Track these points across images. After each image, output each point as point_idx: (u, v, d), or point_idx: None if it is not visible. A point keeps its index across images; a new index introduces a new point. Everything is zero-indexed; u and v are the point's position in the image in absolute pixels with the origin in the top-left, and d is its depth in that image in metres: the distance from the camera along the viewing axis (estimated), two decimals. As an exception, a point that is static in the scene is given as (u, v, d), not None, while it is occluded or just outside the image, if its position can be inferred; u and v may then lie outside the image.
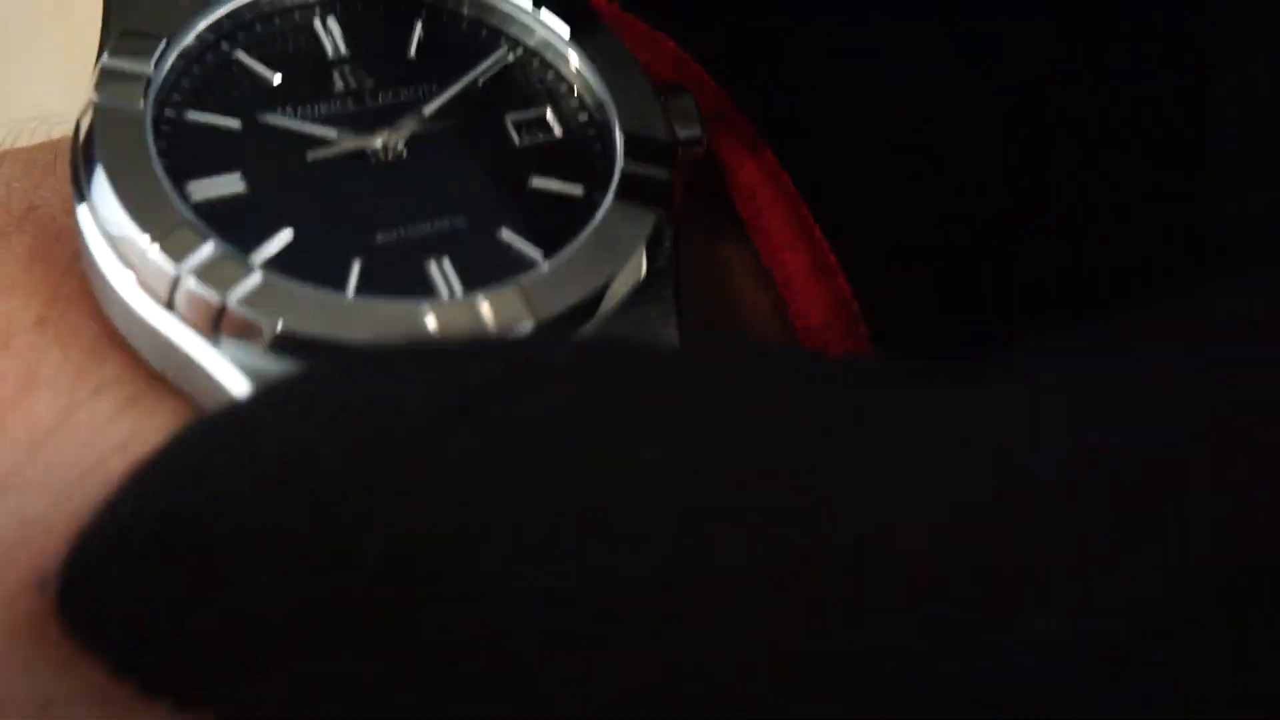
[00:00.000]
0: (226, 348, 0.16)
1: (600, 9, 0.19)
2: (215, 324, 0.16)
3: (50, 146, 0.20)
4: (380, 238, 0.18)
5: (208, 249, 0.16)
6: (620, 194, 0.18)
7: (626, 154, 0.18)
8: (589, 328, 0.17)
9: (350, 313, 0.16)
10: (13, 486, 0.17)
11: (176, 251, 0.16)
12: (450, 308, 0.17)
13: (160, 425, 0.17)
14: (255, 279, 0.16)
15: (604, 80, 0.19)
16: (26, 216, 0.18)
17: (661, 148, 0.18)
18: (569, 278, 0.17)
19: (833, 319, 0.19)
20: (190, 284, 0.16)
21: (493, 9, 0.19)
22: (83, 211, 0.17)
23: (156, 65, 0.18)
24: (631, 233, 0.18)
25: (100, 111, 0.17)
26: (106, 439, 0.17)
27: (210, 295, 0.16)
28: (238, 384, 0.16)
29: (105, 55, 0.18)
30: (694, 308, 0.18)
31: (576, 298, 0.17)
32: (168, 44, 0.18)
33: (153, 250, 0.16)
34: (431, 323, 0.16)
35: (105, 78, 0.17)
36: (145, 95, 0.17)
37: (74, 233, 0.17)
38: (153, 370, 0.17)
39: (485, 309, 0.17)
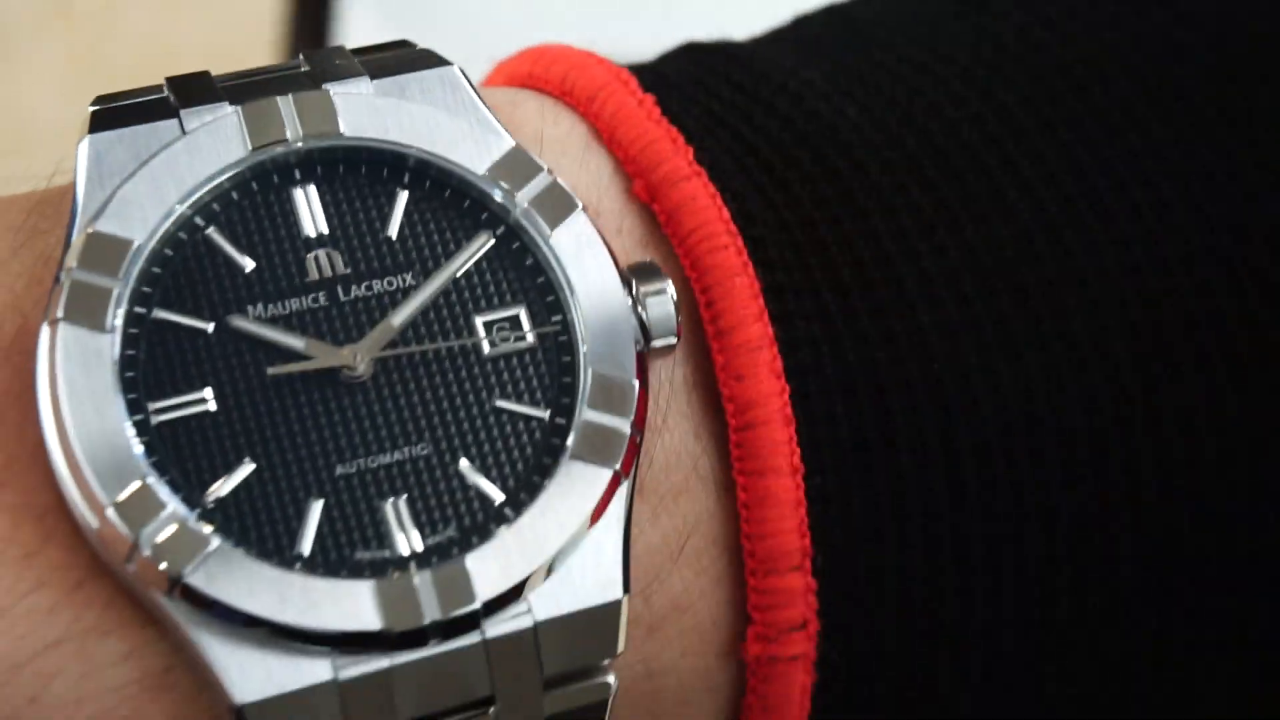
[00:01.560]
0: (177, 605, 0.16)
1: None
2: (170, 589, 0.16)
3: (43, 207, 0.18)
4: (340, 470, 0.17)
5: (164, 519, 0.16)
6: (579, 449, 0.17)
7: (591, 397, 0.17)
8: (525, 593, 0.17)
9: (294, 592, 0.16)
10: None
11: (133, 516, 0.16)
12: (392, 589, 0.16)
13: (96, 617, 0.16)
14: (210, 548, 0.16)
15: (572, 279, 0.18)
16: (12, 342, 0.17)
17: (623, 392, 0.17)
18: (522, 547, 0.17)
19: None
20: (146, 553, 0.16)
21: (470, 183, 0.18)
22: (45, 405, 0.16)
23: (126, 274, 0.17)
24: (586, 491, 0.17)
25: (61, 329, 0.16)
26: (42, 636, 0.16)
27: (164, 567, 0.16)
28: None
29: (72, 263, 0.17)
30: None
31: (524, 573, 0.16)
32: (139, 246, 0.17)
33: (109, 511, 0.16)
34: (371, 610, 0.16)
35: (73, 293, 0.16)
36: (112, 311, 0.16)
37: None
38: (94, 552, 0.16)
39: (428, 593, 0.16)
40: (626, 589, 0.17)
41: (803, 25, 0.21)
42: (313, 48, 0.48)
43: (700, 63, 0.20)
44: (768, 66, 0.19)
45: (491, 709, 0.17)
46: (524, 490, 0.17)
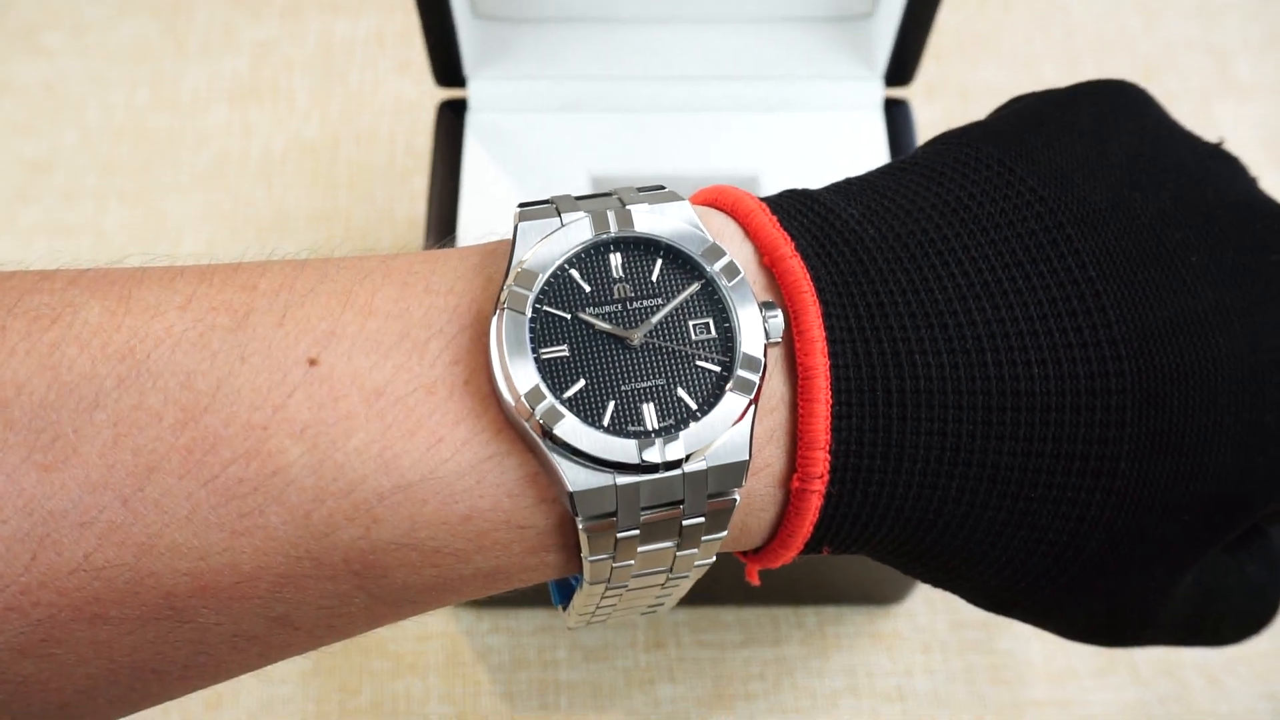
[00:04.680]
0: (546, 443, 0.29)
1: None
2: (544, 435, 0.29)
3: (491, 254, 0.32)
4: (624, 387, 0.30)
5: (545, 403, 0.29)
6: (734, 388, 0.32)
7: (741, 365, 0.31)
8: (703, 452, 0.30)
9: (602, 441, 0.29)
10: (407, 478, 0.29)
11: (532, 400, 0.29)
12: (649, 446, 0.30)
13: (507, 446, 0.29)
14: (564, 418, 0.29)
15: (737, 307, 0.33)
16: (475, 318, 0.30)
17: (756, 362, 0.30)
18: (704, 432, 0.30)
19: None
20: (536, 418, 0.29)
21: (692, 257, 0.33)
22: (495, 347, 0.31)
23: (534, 288, 0.30)
24: (736, 407, 0.32)
25: (505, 313, 0.30)
26: (484, 452, 0.29)
27: (543, 424, 0.29)
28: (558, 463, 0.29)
29: (511, 282, 0.30)
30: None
31: (705, 443, 0.31)
32: (540, 275, 0.32)
33: (523, 397, 0.29)
34: (634, 453, 0.29)
35: (510, 296, 0.30)
36: (528, 305, 0.30)
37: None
38: (514, 433, 0.30)
39: (660, 448, 0.30)
40: (749, 455, 0.32)
41: (849, 185, 0.35)
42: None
43: (798, 199, 0.35)
44: (832, 204, 0.34)
45: (682, 505, 0.30)
46: (706, 405, 0.30)
